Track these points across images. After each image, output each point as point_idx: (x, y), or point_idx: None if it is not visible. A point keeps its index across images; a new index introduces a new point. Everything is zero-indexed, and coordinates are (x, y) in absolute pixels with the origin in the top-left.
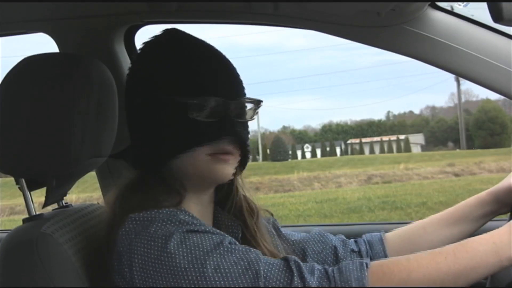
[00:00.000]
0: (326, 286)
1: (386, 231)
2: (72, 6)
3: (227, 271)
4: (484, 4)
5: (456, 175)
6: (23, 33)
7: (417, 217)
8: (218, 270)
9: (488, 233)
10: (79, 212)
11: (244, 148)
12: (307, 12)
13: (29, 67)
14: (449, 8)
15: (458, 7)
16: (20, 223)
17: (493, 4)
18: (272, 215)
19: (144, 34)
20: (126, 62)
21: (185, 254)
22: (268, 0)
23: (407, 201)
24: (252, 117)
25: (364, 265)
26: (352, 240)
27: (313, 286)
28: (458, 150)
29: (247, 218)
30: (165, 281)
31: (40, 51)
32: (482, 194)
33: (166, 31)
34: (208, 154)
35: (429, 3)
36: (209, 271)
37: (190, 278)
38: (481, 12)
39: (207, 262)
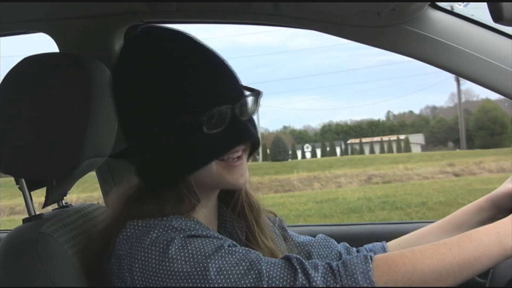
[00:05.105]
0: (332, 280)
1: (385, 231)
2: (72, 6)
3: (229, 272)
4: (484, 4)
5: (456, 175)
6: (23, 33)
7: (417, 217)
8: (220, 272)
9: (491, 223)
10: (79, 212)
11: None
12: (307, 12)
13: (29, 67)
14: (449, 8)
15: (458, 7)
16: (20, 223)
17: (493, 4)
18: (275, 215)
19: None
20: None
21: (186, 259)
22: (268, 0)
23: (407, 201)
24: (255, 111)
25: (369, 258)
26: (354, 249)
27: (318, 282)
28: (458, 150)
29: (246, 211)
30: (167, 286)
31: (40, 51)
32: (480, 200)
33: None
34: (219, 160)
35: (429, 3)
36: (212, 273)
37: (193, 282)
38: (481, 12)
39: (209, 265)
